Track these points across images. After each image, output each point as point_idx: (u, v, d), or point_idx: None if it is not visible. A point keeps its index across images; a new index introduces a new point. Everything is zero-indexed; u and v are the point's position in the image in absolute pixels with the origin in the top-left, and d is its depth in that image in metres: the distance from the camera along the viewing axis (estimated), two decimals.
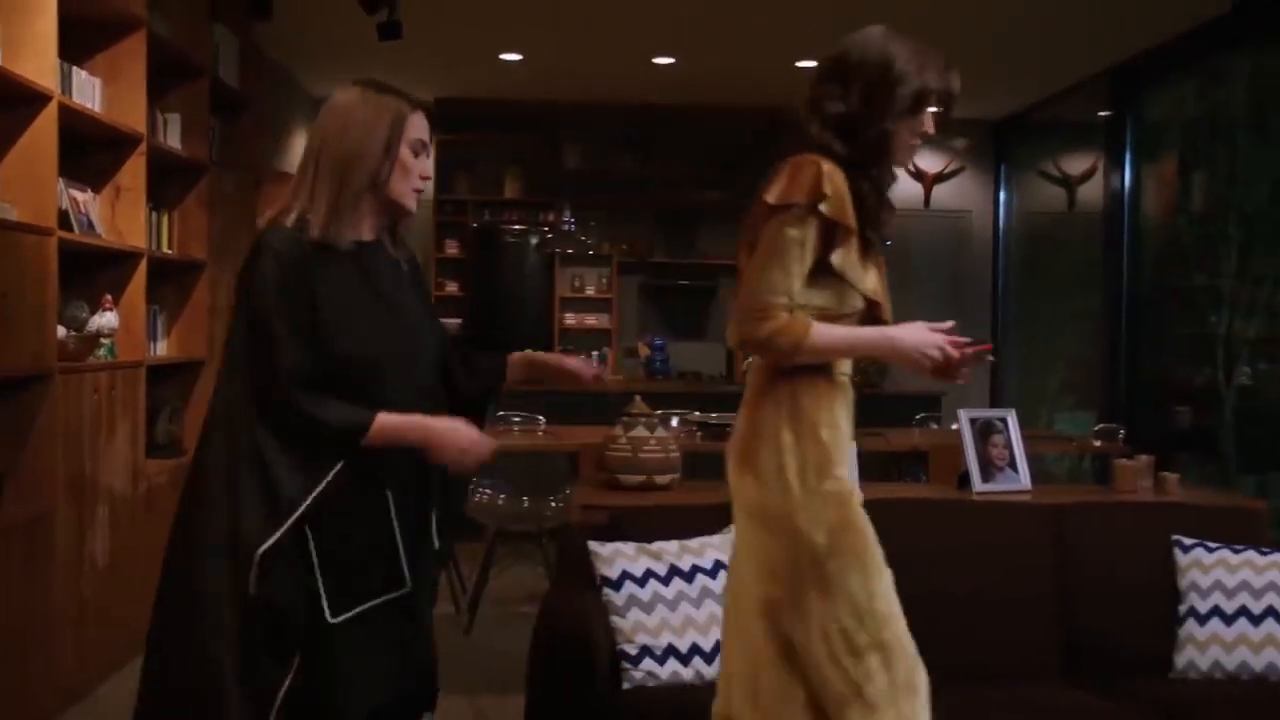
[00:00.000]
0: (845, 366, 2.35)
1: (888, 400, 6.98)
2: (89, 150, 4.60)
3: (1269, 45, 6.07)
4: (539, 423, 5.25)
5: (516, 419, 5.27)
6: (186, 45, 5.16)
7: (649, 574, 3.03)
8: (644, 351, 8.99)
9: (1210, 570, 3.21)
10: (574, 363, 2.60)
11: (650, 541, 3.10)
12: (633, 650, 2.95)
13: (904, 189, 8.01)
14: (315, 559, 2.17)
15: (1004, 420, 3.88)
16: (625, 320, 9.30)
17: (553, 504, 5.36)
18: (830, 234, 2.22)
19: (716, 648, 2.97)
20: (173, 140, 5.14)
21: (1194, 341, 6.67)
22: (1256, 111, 6.35)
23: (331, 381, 2.18)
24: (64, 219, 4.18)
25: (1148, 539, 3.34)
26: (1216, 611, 3.15)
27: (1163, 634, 3.20)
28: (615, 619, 2.99)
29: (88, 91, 4.37)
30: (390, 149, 2.25)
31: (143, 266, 4.75)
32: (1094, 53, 7.09)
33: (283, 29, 6.36)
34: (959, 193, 9.50)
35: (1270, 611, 3.12)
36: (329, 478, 2.17)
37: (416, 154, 2.30)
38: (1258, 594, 3.14)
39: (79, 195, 4.42)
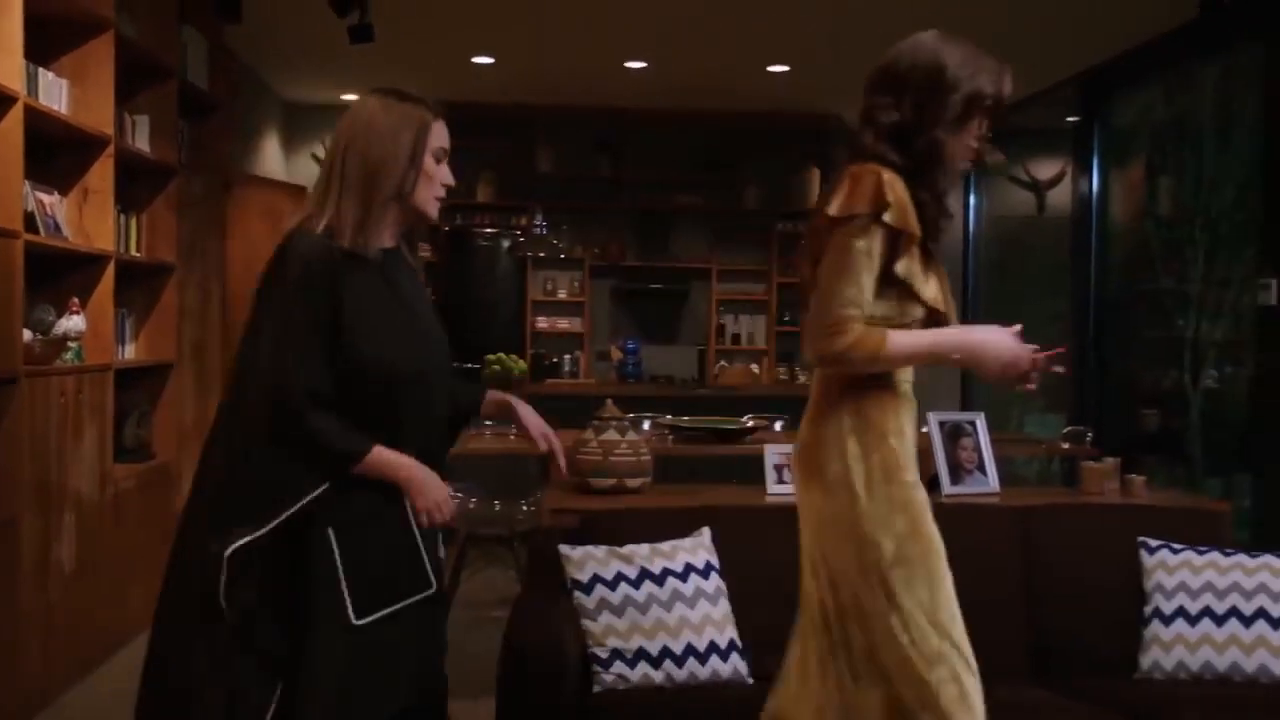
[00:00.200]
0: (908, 375, 2.34)
1: None
2: (56, 152, 4.57)
3: (1235, 51, 6.13)
4: (510, 426, 5.23)
5: (488, 422, 5.26)
6: (155, 47, 5.13)
7: (620, 577, 3.03)
8: (616, 355, 8.99)
9: (1175, 571, 3.24)
10: (554, 446, 2.55)
11: (621, 544, 3.10)
12: (604, 654, 2.95)
13: None
14: (339, 562, 2.16)
15: (973, 423, 3.92)
16: (597, 324, 9.30)
17: (524, 507, 5.35)
18: (894, 243, 2.22)
19: (687, 650, 2.98)
20: (141, 142, 5.10)
21: (1161, 345, 6.73)
22: (1222, 117, 6.42)
23: (349, 389, 2.18)
24: (30, 221, 4.14)
25: (1114, 541, 3.38)
26: (1181, 612, 3.18)
27: (1128, 635, 3.23)
28: (586, 622, 2.99)
29: (54, 93, 4.33)
30: (415, 158, 2.27)
31: (110, 269, 4.71)
32: (1062, 59, 7.15)
33: (253, 31, 6.33)
34: None
35: (1233, 612, 3.15)
36: (312, 495, 2.16)
37: (439, 161, 2.33)
38: (1221, 595, 3.18)
39: (45, 198, 4.38)
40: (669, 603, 3.02)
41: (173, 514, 5.49)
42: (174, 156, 5.38)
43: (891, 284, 2.24)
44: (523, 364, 5.91)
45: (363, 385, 2.19)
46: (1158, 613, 3.21)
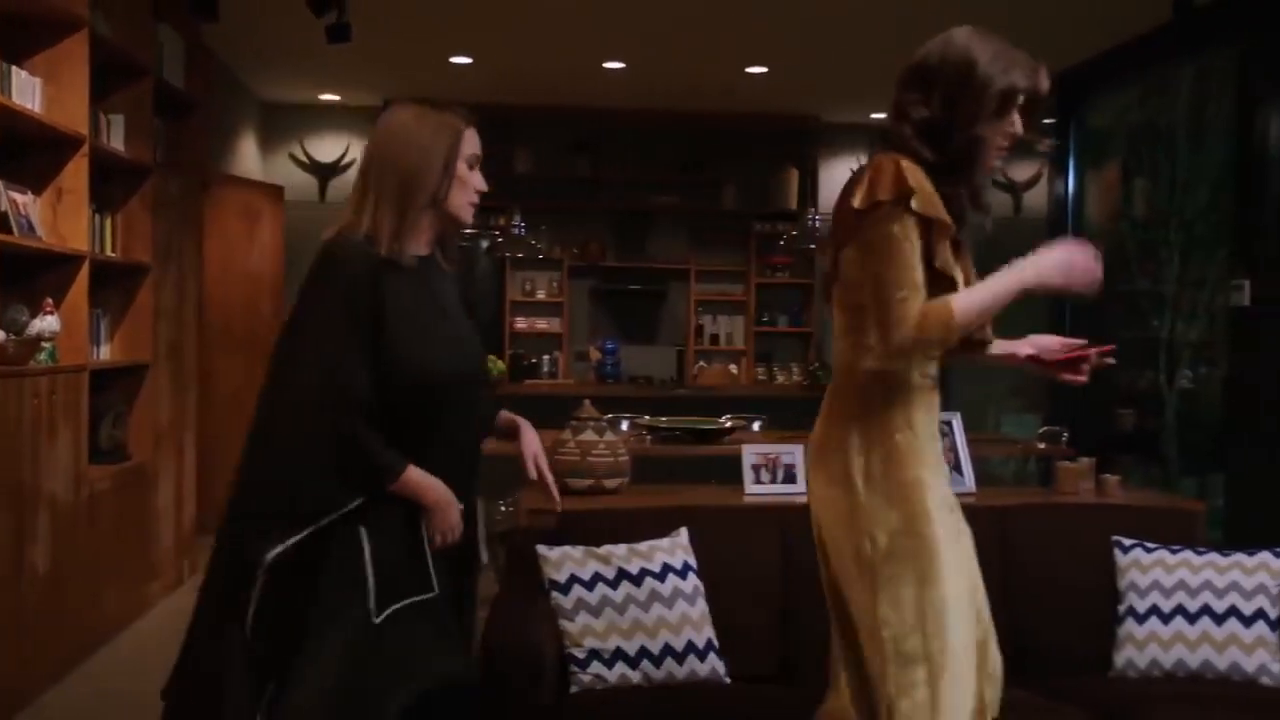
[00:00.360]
0: (931, 369, 2.32)
1: None
2: (29, 151, 4.54)
3: (1209, 54, 6.18)
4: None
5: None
6: (130, 45, 5.10)
7: (597, 577, 3.03)
8: (595, 355, 8.99)
9: (1149, 570, 3.26)
10: (545, 476, 2.56)
11: (598, 545, 3.10)
12: (581, 654, 2.95)
13: None
14: (368, 558, 2.20)
15: (949, 423, 3.92)
16: (576, 324, 9.29)
17: (502, 508, 5.34)
18: (925, 229, 2.18)
19: (665, 650, 2.99)
20: (116, 142, 5.07)
21: (1137, 345, 6.78)
22: (1196, 119, 6.47)
23: (388, 394, 2.22)
24: (3, 221, 4.12)
25: (1088, 540, 3.40)
26: (1154, 611, 3.21)
27: (1103, 633, 3.25)
28: (563, 622, 2.99)
29: (27, 92, 4.30)
30: (449, 166, 2.32)
31: (85, 269, 4.68)
32: (1038, 61, 7.18)
33: (230, 30, 6.30)
34: None
35: (1206, 610, 3.18)
36: (351, 505, 2.19)
37: (471, 168, 2.37)
38: (1193, 593, 3.20)
39: (19, 197, 4.35)
40: (646, 603, 3.03)
41: (149, 514, 5.46)
42: (149, 156, 5.35)
43: (930, 280, 2.20)
44: (501, 364, 5.90)
45: (402, 390, 2.24)
46: (1131, 611, 3.23)
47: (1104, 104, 7.41)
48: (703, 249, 9.24)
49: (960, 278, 2.26)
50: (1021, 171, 8.39)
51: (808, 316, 9.28)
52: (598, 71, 7.71)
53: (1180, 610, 3.19)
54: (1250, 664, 3.11)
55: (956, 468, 3.85)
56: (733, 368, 9.24)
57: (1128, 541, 3.35)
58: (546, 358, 9.10)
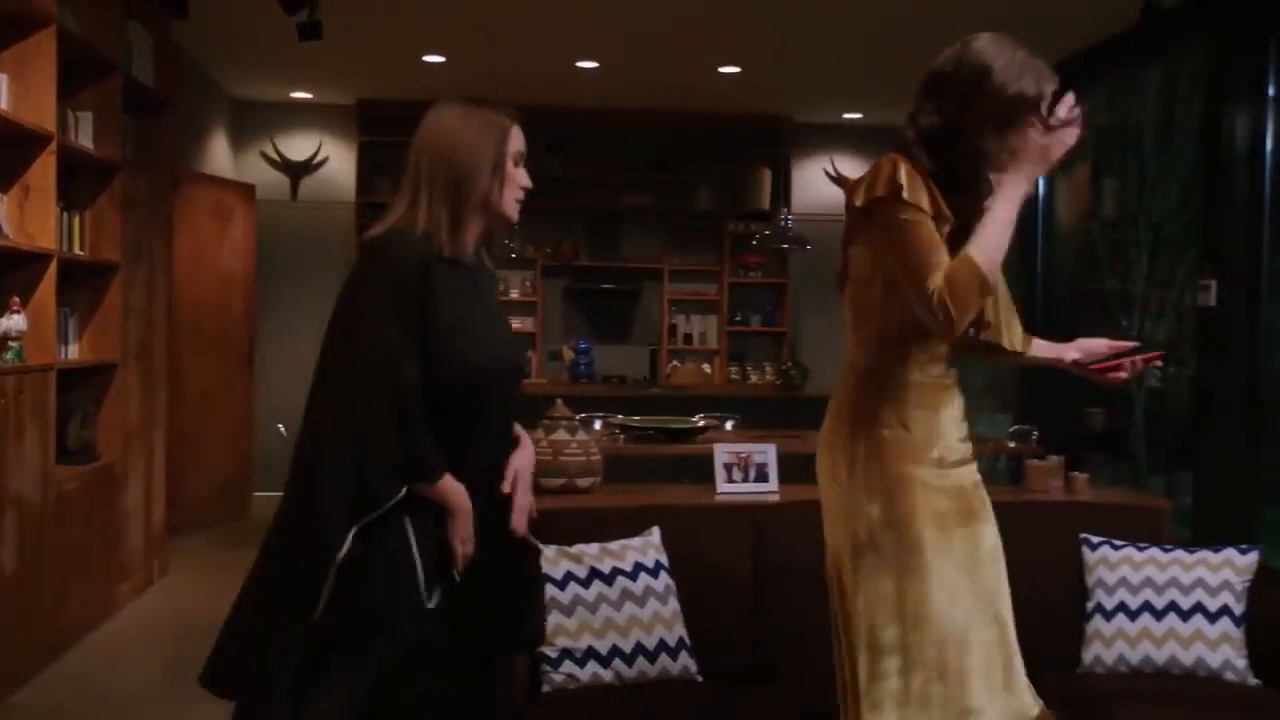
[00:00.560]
0: (934, 369, 2.35)
1: (808, 403, 7.04)
2: None
3: (1176, 56, 6.24)
4: None
5: None
6: (98, 42, 5.06)
7: (569, 576, 3.03)
8: (569, 355, 8.98)
9: (1116, 568, 3.29)
10: (516, 497, 2.44)
11: (571, 544, 3.10)
12: (553, 653, 2.95)
13: (826, 193, 8.10)
14: (414, 544, 2.21)
15: None
16: (550, 324, 9.28)
17: None
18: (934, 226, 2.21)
19: (637, 649, 2.99)
20: (84, 139, 5.03)
21: None
22: (1165, 120, 6.53)
23: (435, 388, 2.22)
24: None
25: (1057, 537, 3.42)
26: (1121, 607, 3.24)
27: (1071, 630, 3.28)
28: None
29: None
30: (498, 164, 2.34)
31: (53, 268, 4.64)
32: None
33: (200, 27, 6.26)
34: None
35: (1172, 606, 3.21)
36: (398, 498, 2.18)
37: (517, 165, 2.40)
38: (1160, 590, 3.23)
39: None
40: (618, 602, 3.03)
41: (118, 514, 5.42)
42: (118, 154, 5.30)
43: None
44: None
45: (449, 384, 2.24)
46: (1099, 608, 3.26)
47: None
48: (676, 249, 9.25)
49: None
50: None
51: (781, 316, 9.31)
52: (571, 71, 7.70)
53: (1147, 607, 3.22)
54: (1215, 660, 3.15)
55: None
56: (706, 367, 9.25)
57: (1096, 539, 3.38)
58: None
